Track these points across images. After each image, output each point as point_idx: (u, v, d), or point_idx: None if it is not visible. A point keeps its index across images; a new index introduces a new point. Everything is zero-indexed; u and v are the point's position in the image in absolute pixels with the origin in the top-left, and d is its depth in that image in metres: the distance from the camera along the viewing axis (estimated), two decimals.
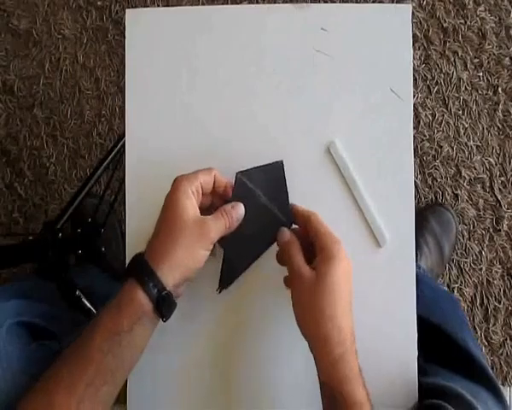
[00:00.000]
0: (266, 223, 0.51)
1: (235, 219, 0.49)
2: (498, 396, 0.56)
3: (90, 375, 0.42)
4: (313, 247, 0.48)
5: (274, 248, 0.52)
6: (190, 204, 0.46)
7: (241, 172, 0.51)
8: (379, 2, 1.06)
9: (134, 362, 0.46)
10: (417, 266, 0.76)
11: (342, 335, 0.45)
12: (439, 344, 0.60)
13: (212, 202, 0.51)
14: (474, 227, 1.05)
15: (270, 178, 0.52)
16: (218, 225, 0.47)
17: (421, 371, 0.54)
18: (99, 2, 1.10)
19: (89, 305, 0.73)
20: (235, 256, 0.51)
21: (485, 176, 1.05)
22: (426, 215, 1.01)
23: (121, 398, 1.03)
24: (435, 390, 0.53)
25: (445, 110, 1.06)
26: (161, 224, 0.47)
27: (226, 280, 0.52)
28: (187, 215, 0.46)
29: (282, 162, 0.53)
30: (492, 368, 1.02)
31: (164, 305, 0.44)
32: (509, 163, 1.05)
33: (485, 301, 1.04)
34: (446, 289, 1.03)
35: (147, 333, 0.46)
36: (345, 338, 0.45)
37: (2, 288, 0.74)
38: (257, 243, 0.52)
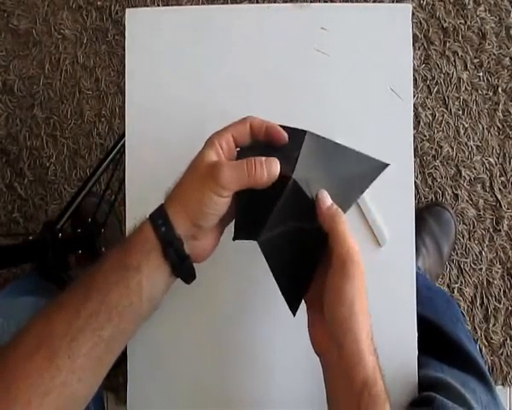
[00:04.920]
0: (302, 246, 0.44)
1: (259, 171, 0.42)
2: (487, 384, 0.56)
3: (94, 305, 0.39)
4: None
5: None
6: (213, 153, 0.44)
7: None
8: (379, 2, 1.06)
9: (142, 316, 0.43)
10: None
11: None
12: (430, 336, 0.60)
13: None
14: (474, 227, 1.05)
15: None
16: (235, 170, 0.42)
17: None
18: (99, 2, 1.10)
19: None
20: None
21: (485, 176, 1.05)
22: (424, 216, 1.01)
23: (122, 398, 1.03)
24: (427, 382, 0.53)
25: (445, 110, 1.06)
26: (182, 174, 0.45)
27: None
28: (203, 162, 0.44)
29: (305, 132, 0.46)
30: (492, 368, 1.03)
31: (172, 248, 0.41)
32: (509, 163, 1.05)
33: (485, 301, 1.04)
34: (445, 289, 1.03)
35: (156, 281, 0.42)
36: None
37: (13, 286, 0.74)
38: (302, 272, 0.44)
